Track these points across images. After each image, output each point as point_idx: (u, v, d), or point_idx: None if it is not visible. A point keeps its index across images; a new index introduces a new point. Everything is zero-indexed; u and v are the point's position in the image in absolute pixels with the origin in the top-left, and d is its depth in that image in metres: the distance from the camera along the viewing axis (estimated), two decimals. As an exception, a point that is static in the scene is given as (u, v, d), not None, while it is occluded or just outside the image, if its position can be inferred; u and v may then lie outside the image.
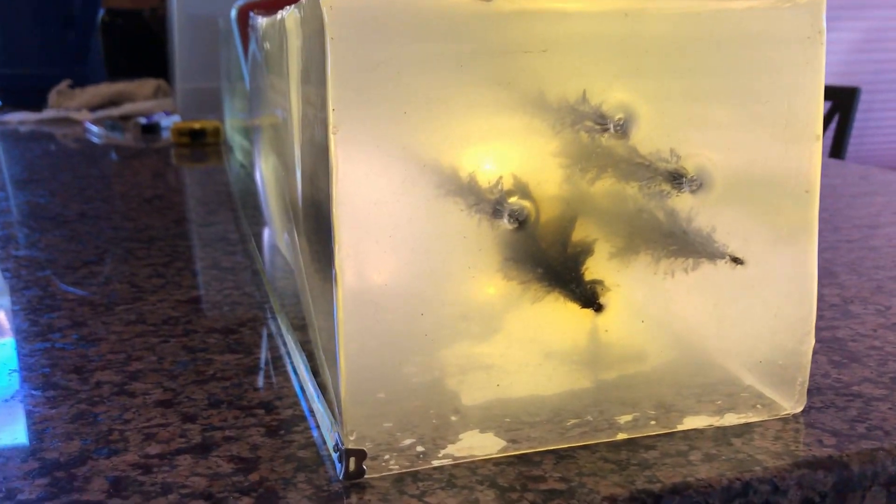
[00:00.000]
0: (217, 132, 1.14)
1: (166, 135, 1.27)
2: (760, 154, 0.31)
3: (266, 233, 0.63)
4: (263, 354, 0.41)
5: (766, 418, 0.33)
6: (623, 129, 0.29)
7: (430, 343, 0.29)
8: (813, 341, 0.32)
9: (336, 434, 0.30)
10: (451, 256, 0.29)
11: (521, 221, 0.29)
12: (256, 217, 0.67)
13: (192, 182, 0.94)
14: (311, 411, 0.34)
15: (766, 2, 0.30)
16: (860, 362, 0.38)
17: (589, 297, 0.30)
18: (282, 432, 0.32)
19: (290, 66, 0.35)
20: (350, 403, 0.28)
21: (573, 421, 0.31)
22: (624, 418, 0.31)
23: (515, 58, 0.28)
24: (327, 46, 0.26)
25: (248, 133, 0.84)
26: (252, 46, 0.57)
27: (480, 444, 0.30)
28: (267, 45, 0.43)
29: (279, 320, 0.44)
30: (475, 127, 0.28)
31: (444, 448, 0.30)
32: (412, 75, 0.27)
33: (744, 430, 0.32)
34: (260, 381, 0.37)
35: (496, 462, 0.30)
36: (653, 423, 0.32)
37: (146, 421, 0.33)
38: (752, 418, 0.33)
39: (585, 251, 0.30)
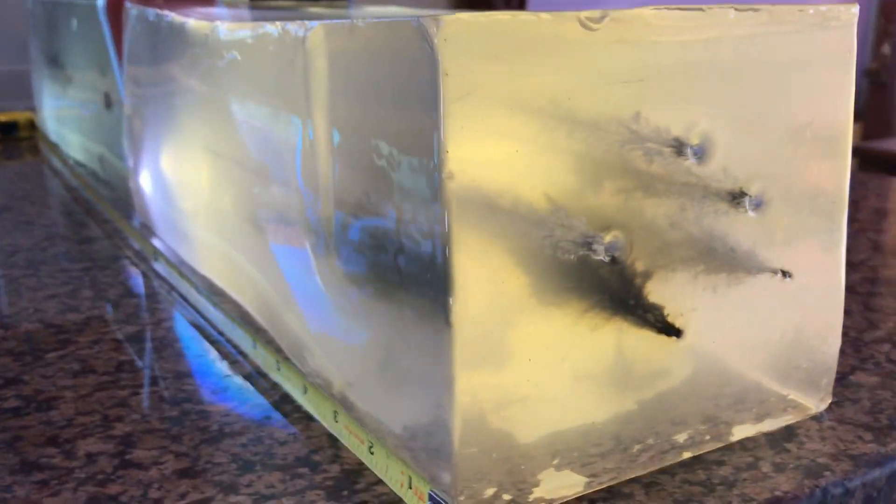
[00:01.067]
0: (31, 125, 1.02)
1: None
2: (801, 171, 0.32)
3: (177, 251, 0.57)
4: (261, 399, 0.37)
5: (799, 419, 0.34)
6: (700, 155, 0.29)
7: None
8: (839, 343, 0.34)
9: (433, 492, 0.28)
10: (540, 289, 0.27)
11: (614, 256, 0.28)
12: (145, 231, 0.61)
13: (21, 187, 0.84)
14: (360, 462, 0.31)
15: (803, 24, 0.31)
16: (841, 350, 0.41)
17: (667, 324, 0.30)
18: (345, 493, 0.30)
19: (313, 87, 0.31)
20: (462, 459, 0.27)
21: (637, 447, 0.31)
22: (681, 437, 0.32)
23: (615, 89, 0.27)
24: (440, 83, 0.24)
25: (100, 129, 0.75)
26: (159, 44, 0.51)
27: (565, 483, 0.29)
28: (236, 55, 0.38)
29: (260, 355, 0.40)
30: (575, 161, 0.27)
31: (531, 493, 0.29)
32: (523, 112, 0.25)
33: (789, 433, 0.33)
34: (280, 432, 0.34)
35: (590, 499, 0.29)
36: (707, 437, 0.32)
37: (181, 498, 0.29)
38: (788, 420, 0.34)
39: (647, 275, 0.30)
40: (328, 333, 0.36)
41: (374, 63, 0.28)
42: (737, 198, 0.30)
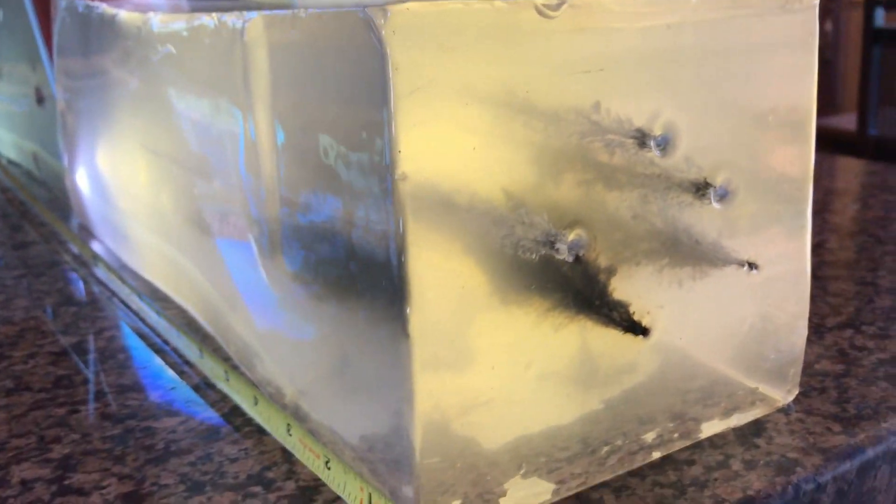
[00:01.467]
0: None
1: None
2: (766, 159, 0.31)
3: (117, 254, 0.54)
4: (210, 412, 0.35)
5: (768, 412, 0.34)
6: (663, 145, 0.28)
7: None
8: (806, 332, 0.34)
9: (394, 510, 0.26)
10: (501, 289, 0.26)
11: (578, 255, 0.27)
12: (84, 233, 0.58)
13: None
14: (317, 478, 0.30)
15: (765, 8, 0.30)
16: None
17: (633, 323, 0.29)
18: (301, 512, 0.28)
19: (254, 81, 0.29)
20: (424, 471, 0.25)
21: (606, 448, 0.30)
22: (649, 436, 0.31)
23: (575, 78, 0.25)
24: (389, 78, 0.22)
25: (33, 126, 0.72)
26: (90, 36, 0.48)
27: (532, 491, 0.28)
28: (171, 49, 0.36)
29: (206, 364, 0.38)
30: (533, 154, 0.25)
31: (496, 503, 0.27)
32: (479, 105, 0.24)
33: (758, 428, 0.33)
34: (231, 448, 0.32)
35: (559, 508, 0.28)
36: (676, 435, 0.31)
37: (125, 526, 0.27)
38: (757, 414, 0.33)
39: (610, 271, 0.29)
40: (277, 338, 0.34)
41: (319, 56, 0.26)
42: (701, 189, 0.29)
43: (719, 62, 0.29)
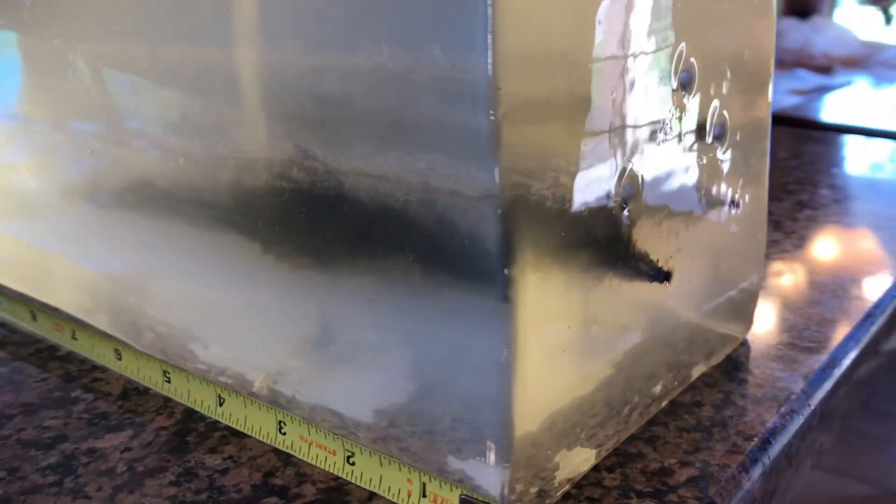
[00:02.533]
0: None
1: None
2: (742, 103, 0.31)
3: None
4: (158, 421, 0.30)
5: (735, 347, 0.35)
6: (686, 84, 0.27)
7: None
8: (764, 271, 0.35)
9: (469, 497, 0.24)
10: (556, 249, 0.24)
11: (626, 201, 0.25)
12: None
13: None
14: (336, 477, 0.26)
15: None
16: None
17: (659, 270, 0.28)
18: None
19: (244, 19, 0.25)
20: (519, 453, 0.23)
21: (627, 408, 0.29)
22: (657, 389, 0.30)
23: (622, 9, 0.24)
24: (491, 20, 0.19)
25: None
26: None
27: (579, 459, 0.27)
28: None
29: (128, 367, 0.32)
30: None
31: (554, 479, 0.26)
32: (578, 35, 0.22)
33: (735, 364, 0.33)
34: (211, 459, 0.27)
35: (605, 467, 0.27)
36: (676, 383, 0.31)
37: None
38: (728, 351, 0.34)
39: (633, 221, 0.27)
40: (242, 316, 0.29)
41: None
42: (702, 129, 0.29)
43: (714, 8, 0.29)
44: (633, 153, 0.25)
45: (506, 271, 0.21)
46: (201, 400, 0.30)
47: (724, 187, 0.31)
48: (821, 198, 0.56)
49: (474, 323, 0.23)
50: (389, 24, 0.22)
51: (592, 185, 0.24)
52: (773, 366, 0.33)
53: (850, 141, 0.75)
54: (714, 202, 0.31)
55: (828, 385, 0.33)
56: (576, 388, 0.26)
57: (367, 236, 0.25)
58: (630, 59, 0.24)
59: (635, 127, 0.25)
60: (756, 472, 0.28)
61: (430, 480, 0.25)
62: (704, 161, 0.29)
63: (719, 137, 0.30)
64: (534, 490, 0.25)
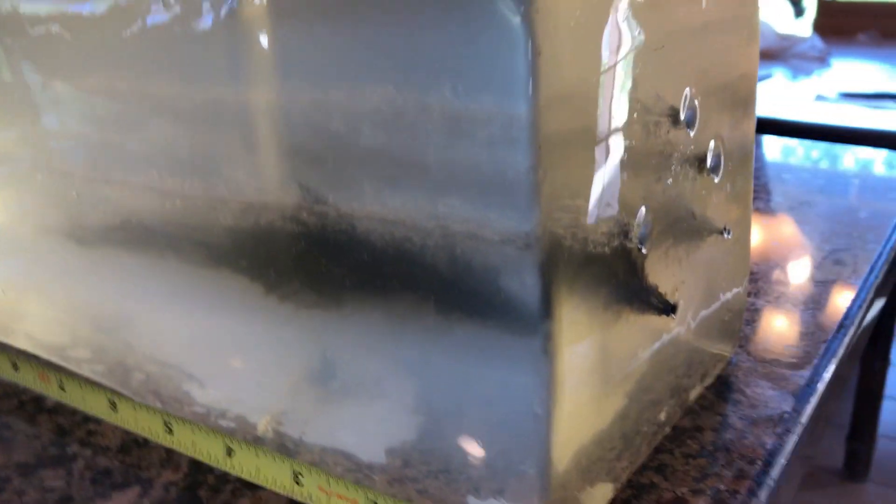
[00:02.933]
0: None
1: None
2: (732, 129, 0.32)
3: None
4: (167, 476, 0.29)
5: (724, 366, 0.36)
6: (690, 122, 0.28)
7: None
8: (747, 289, 0.36)
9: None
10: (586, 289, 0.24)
11: (643, 243, 0.26)
12: None
13: None
14: (359, 527, 0.26)
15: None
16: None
17: (667, 303, 0.28)
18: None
19: (262, 62, 0.24)
20: (557, 495, 0.23)
21: (637, 438, 0.29)
22: (662, 415, 0.31)
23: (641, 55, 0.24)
24: (532, 63, 0.20)
25: None
26: None
27: (599, 494, 0.27)
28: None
29: (125, 417, 0.31)
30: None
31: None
32: (602, 79, 0.22)
33: (725, 384, 0.34)
34: (229, 515, 0.27)
35: (624, 501, 0.27)
36: (677, 408, 0.32)
37: None
38: (719, 370, 0.35)
39: (645, 255, 0.28)
40: (241, 355, 0.29)
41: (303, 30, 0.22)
42: (702, 161, 0.30)
43: (711, 37, 0.29)
44: (647, 191, 0.26)
45: (546, 323, 0.21)
46: (208, 451, 0.29)
47: (718, 215, 0.32)
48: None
49: (509, 370, 0.23)
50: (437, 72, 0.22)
51: (614, 225, 0.24)
52: (763, 383, 0.34)
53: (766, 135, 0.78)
54: (710, 230, 0.31)
55: (814, 400, 0.34)
56: (597, 424, 0.26)
57: (380, 278, 0.25)
58: (645, 102, 0.25)
59: (650, 166, 0.26)
60: (763, 494, 0.28)
61: (462, 528, 0.25)
62: (703, 192, 0.30)
63: (715, 168, 0.31)
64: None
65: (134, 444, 0.31)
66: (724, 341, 0.35)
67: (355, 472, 0.27)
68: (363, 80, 0.23)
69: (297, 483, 0.27)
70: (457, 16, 0.20)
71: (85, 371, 0.34)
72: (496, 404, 0.24)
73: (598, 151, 0.23)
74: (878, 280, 0.45)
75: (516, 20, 0.19)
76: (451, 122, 0.21)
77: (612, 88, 0.23)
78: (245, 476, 0.28)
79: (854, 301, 0.42)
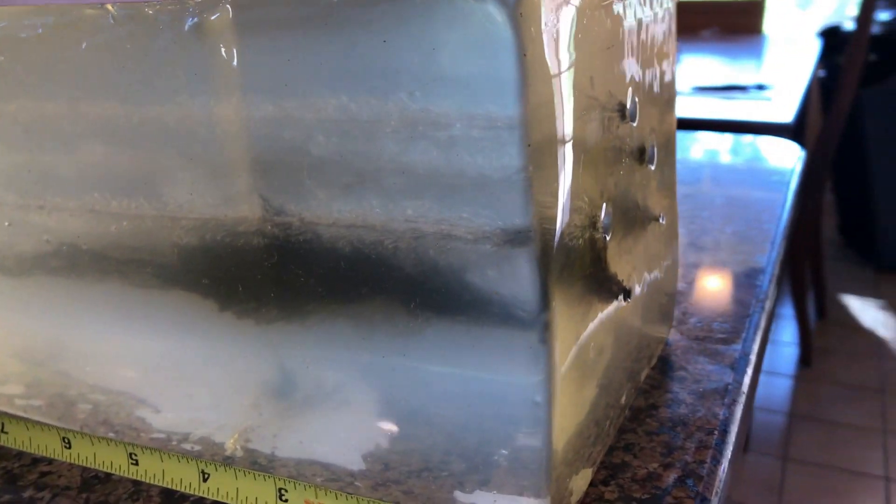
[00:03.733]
0: None
1: None
2: (661, 122, 0.34)
3: None
4: (136, 508, 0.28)
5: (662, 350, 0.37)
6: (633, 116, 0.29)
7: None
8: (679, 272, 0.38)
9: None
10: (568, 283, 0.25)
11: (605, 231, 0.27)
12: None
13: None
14: (353, 536, 0.26)
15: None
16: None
17: (626, 289, 0.30)
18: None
19: (224, 76, 0.24)
20: (554, 486, 0.24)
21: (607, 423, 0.30)
22: (623, 399, 0.32)
23: (597, 54, 0.25)
24: (516, 64, 0.20)
25: None
26: None
27: (582, 480, 0.28)
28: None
29: (78, 454, 0.30)
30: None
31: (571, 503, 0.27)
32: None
33: (666, 363, 0.36)
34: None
35: (602, 482, 0.29)
36: (633, 390, 0.33)
37: None
38: (660, 352, 0.37)
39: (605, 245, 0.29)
40: (196, 374, 0.28)
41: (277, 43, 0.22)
42: (642, 153, 0.31)
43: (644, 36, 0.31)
44: (605, 183, 0.27)
45: (543, 314, 0.22)
46: (180, 478, 0.28)
47: (654, 203, 0.33)
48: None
49: (505, 364, 0.23)
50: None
51: (585, 217, 0.25)
52: (701, 361, 0.36)
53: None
54: (650, 218, 0.33)
55: (750, 370, 0.36)
56: (579, 414, 0.27)
57: (359, 284, 0.25)
58: (601, 99, 0.26)
59: (607, 159, 0.27)
60: (725, 461, 0.30)
61: (460, 524, 0.25)
62: (643, 182, 0.32)
63: (651, 158, 0.32)
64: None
65: (95, 480, 0.29)
66: (663, 323, 0.37)
67: (336, 480, 0.27)
68: (332, 91, 0.23)
69: (282, 499, 0.27)
70: (442, 20, 0.21)
71: (18, 409, 0.32)
72: (491, 399, 0.24)
73: (569, 148, 0.24)
74: (781, 255, 0.48)
75: (502, 21, 0.20)
76: (437, 127, 0.22)
77: (577, 87, 0.24)
78: (223, 500, 0.28)
79: (764, 276, 0.45)
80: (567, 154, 0.23)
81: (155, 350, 0.30)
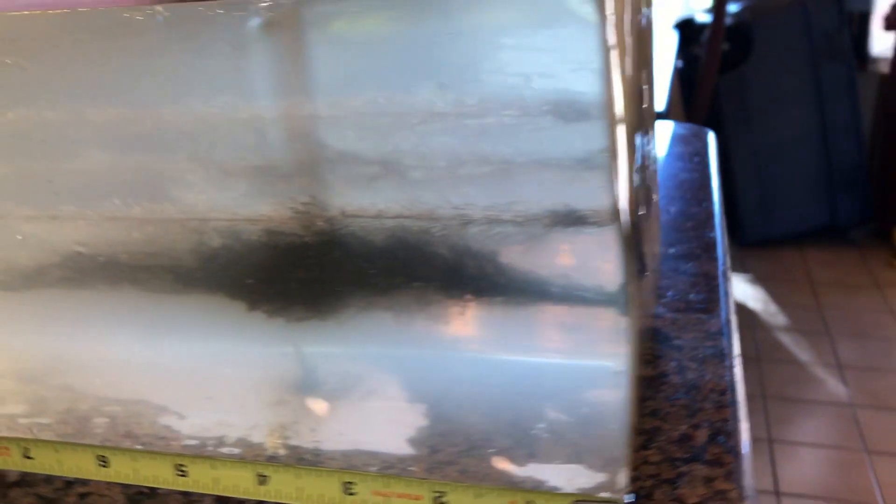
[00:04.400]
0: None
1: None
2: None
3: None
4: (196, 519, 0.27)
5: (652, 323, 0.40)
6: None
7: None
8: (660, 248, 0.40)
9: None
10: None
11: (640, 210, 0.28)
12: None
13: None
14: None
15: None
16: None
17: (644, 265, 0.31)
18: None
19: (287, 74, 0.24)
20: (630, 451, 0.25)
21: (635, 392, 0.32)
22: (638, 371, 0.34)
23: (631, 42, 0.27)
24: (600, 49, 0.21)
25: None
26: None
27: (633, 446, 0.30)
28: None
29: (117, 472, 0.29)
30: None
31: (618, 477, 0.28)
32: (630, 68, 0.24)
33: (663, 337, 0.38)
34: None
35: (643, 446, 0.30)
36: (642, 362, 0.35)
37: None
38: (650, 324, 0.39)
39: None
40: (221, 375, 0.28)
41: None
42: (646, 132, 0.33)
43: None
44: (634, 162, 0.29)
45: (625, 288, 0.23)
46: (234, 484, 0.28)
47: (651, 194, 0.35)
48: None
49: (583, 342, 0.24)
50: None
51: (635, 196, 0.27)
52: (689, 329, 0.39)
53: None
54: (650, 195, 0.35)
55: (736, 335, 0.39)
56: (634, 382, 0.29)
57: (392, 273, 0.26)
58: (635, 83, 0.28)
59: (635, 139, 0.29)
60: (741, 415, 0.32)
61: (537, 497, 0.26)
62: (647, 162, 0.33)
63: (651, 139, 0.34)
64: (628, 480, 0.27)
65: (140, 496, 0.28)
66: (655, 298, 0.39)
67: (390, 468, 0.27)
68: (405, 83, 0.23)
69: (349, 493, 0.27)
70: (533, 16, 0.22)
71: (21, 431, 0.30)
72: (563, 378, 0.25)
73: (624, 130, 0.25)
74: (725, 226, 0.51)
75: (593, 18, 0.21)
76: (522, 113, 0.23)
77: (629, 72, 0.25)
78: (285, 500, 0.27)
79: (719, 248, 0.48)
80: (622, 137, 0.25)
81: (176, 354, 0.29)
